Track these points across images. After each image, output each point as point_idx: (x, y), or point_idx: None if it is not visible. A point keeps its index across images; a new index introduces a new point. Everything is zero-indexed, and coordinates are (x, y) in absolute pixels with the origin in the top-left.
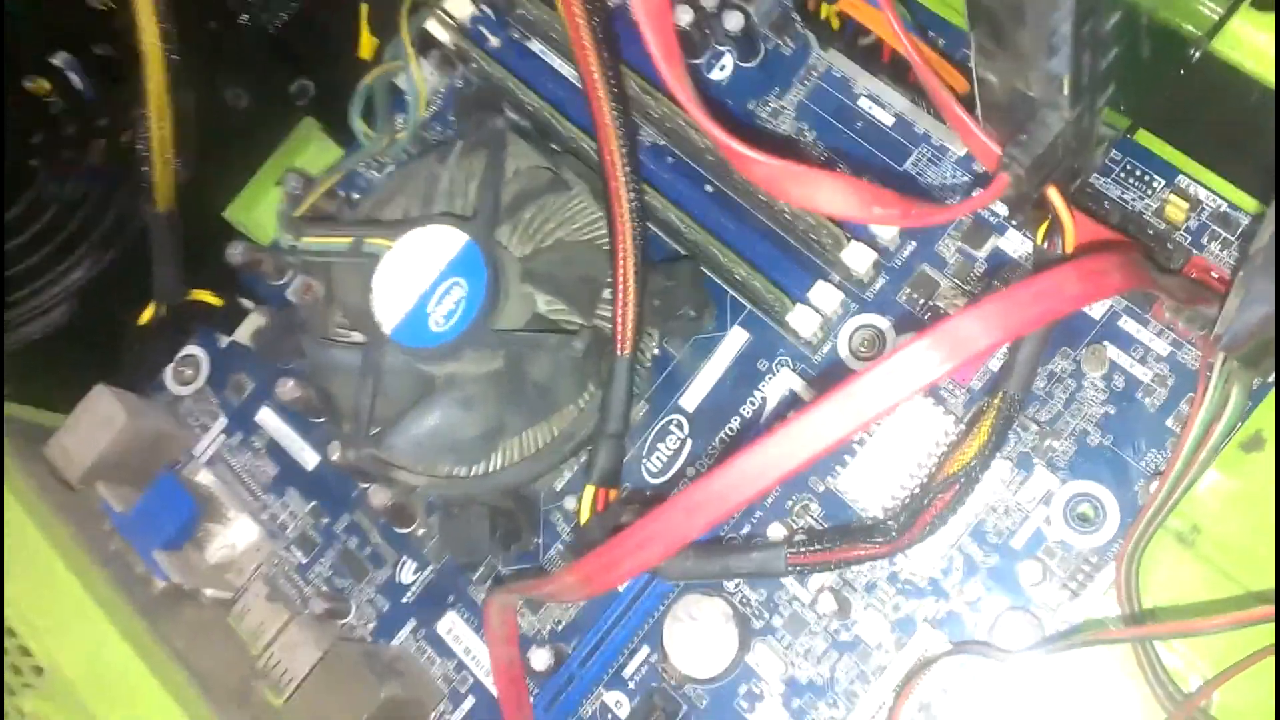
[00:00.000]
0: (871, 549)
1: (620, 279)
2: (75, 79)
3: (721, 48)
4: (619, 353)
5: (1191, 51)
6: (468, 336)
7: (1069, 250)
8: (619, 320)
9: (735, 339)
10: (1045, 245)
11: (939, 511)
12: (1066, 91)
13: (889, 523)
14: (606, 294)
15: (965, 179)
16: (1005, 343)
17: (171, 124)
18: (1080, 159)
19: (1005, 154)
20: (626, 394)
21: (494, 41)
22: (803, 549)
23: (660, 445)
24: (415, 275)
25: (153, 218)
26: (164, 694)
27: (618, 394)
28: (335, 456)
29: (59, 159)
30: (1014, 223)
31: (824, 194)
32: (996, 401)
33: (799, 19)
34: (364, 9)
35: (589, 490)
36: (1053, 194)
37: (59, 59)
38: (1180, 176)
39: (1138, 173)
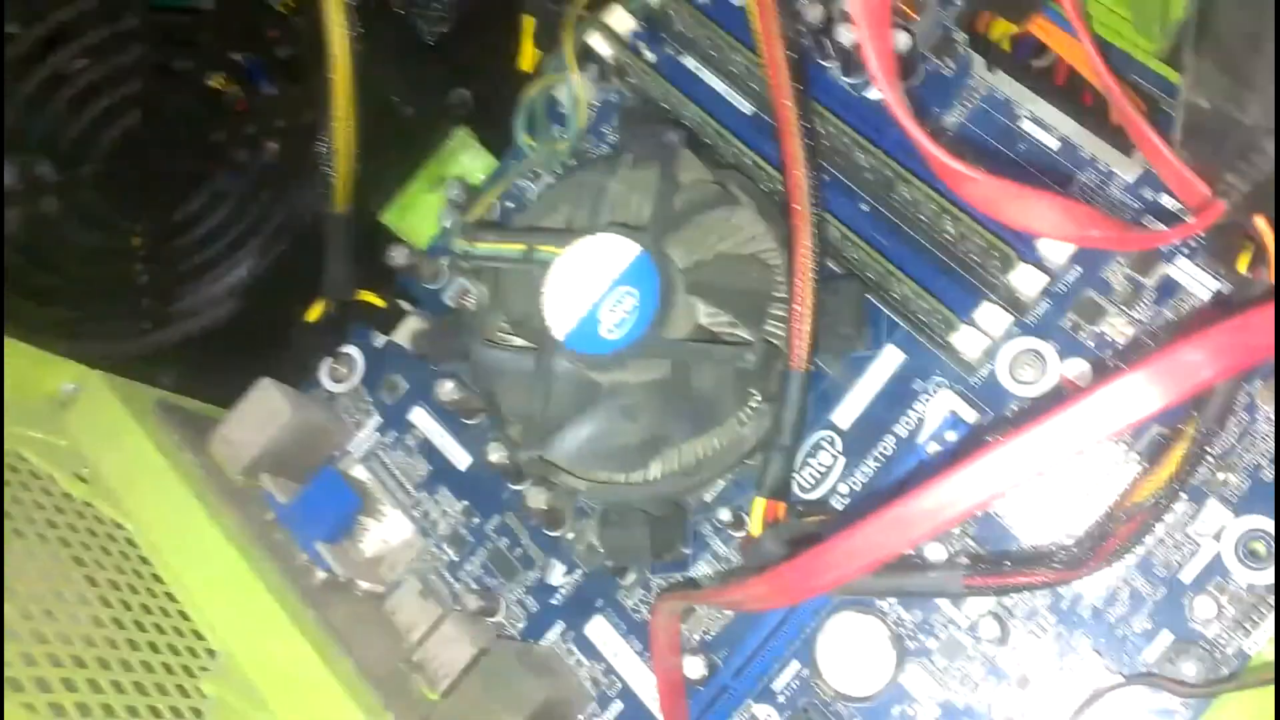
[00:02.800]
0: (1051, 575)
1: (799, 293)
2: (255, 79)
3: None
4: (795, 367)
5: None
6: (639, 345)
7: (1275, 279)
8: (796, 335)
9: (890, 358)
10: (1250, 275)
11: (1123, 540)
12: None
13: (1071, 549)
14: (771, 309)
15: (1135, 204)
16: (1232, 375)
17: (355, 119)
18: None
19: (1223, 180)
20: (801, 408)
21: (650, 57)
22: (981, 572)
23: (812, 461)
24: (587, 283)
25: (331, 217)
26: (332, 679)
27: (792, 408)
28: (495, 457)
29: (237, 156)
30: (1186, 253)
31: (1040, 214)
32: (1190, 431)
33: (964, 41)
34: (529, 22)
35: (760, 502)
36: (1261, 224)
37: (240, 58)
38: None
39: None
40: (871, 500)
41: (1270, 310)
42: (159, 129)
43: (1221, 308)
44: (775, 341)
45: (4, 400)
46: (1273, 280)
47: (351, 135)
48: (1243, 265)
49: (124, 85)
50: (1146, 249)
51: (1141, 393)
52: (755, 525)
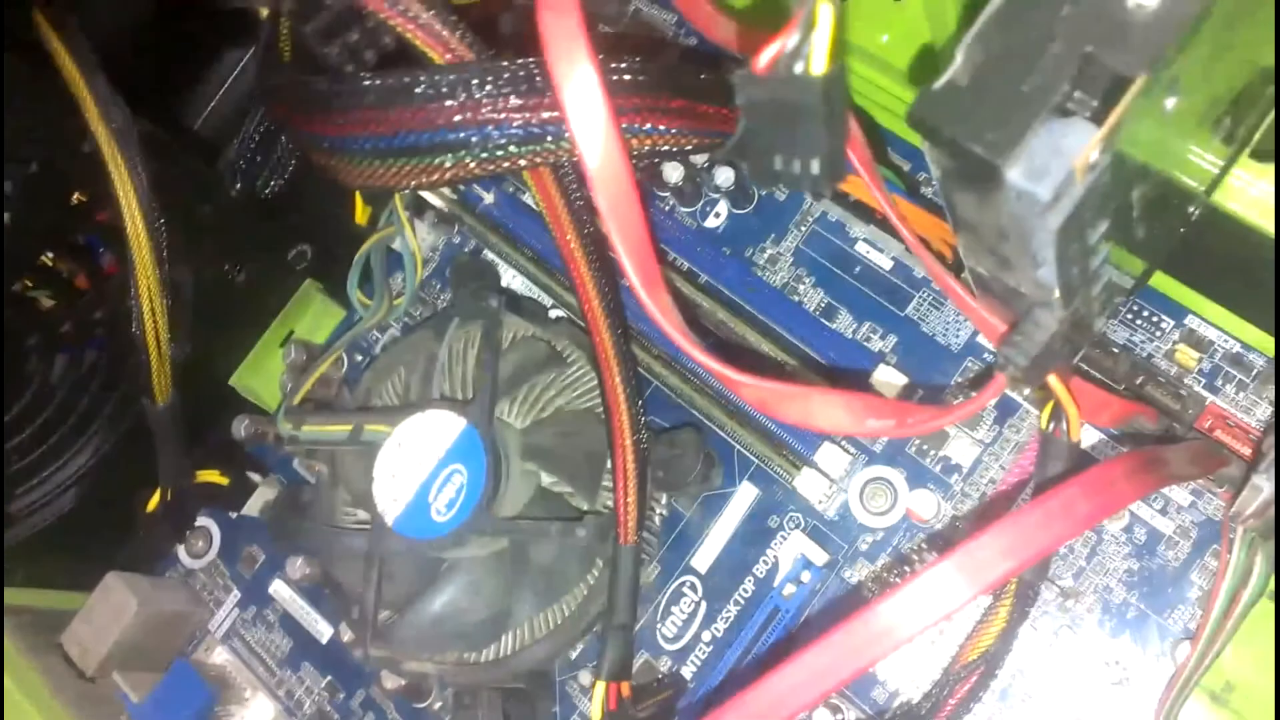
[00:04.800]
0: None
1: (621, 471)
2: (67, 274)
3: (715, 195)
4: (623, 542)
5: (1191, 210)
6: (470, 525)
7: (1074, 436)
8: (621, 511)
9: (744, 495)
10: (1051, 428)
11: (964, 697)
12: (1057, 295)
13: (917, 706)
14: (610, 467)
15: (969, 324)
16: (1022, 570)
17: (164, 312)
18: (1080, 338)
19: (1000, 354)
20: (633, 584)
21: (489, 198)
22: None
23: (674, 609)
24: (415, 463)
25: (151, 412)
26: None
27: (623, 584)
28: (347, 638)
29: (58, 353)
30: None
31: (817, 412)
32: (1011, 588)
33: None
34: None
35: (600, 687)
36: (1054, 382)
37: (47, 258)
38: (1190, 317)
39: (1145, 314)
40: (732, 649)
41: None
42: None
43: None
44: (609, 511)
45: None
46: (1072, 438)
47: (162, 323)
48: (1044, 419)
49: None
50: (925, 433)
51: (943, 589)
52: (595, 713)
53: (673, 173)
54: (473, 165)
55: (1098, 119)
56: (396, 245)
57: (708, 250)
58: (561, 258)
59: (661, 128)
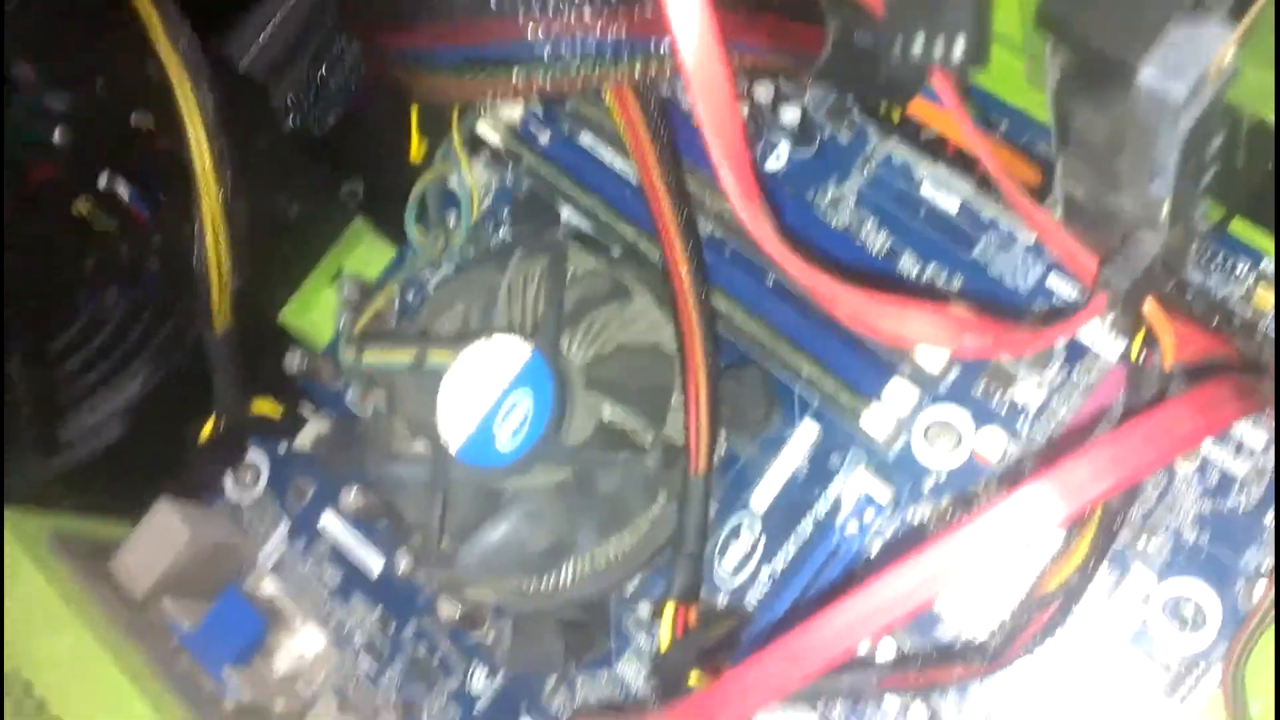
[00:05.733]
0: (967, 670)
1: (693, 399)
2: (128, 199)
3: (775, 137)
4: (693, 472)
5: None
6: (535, 453)
7: (1168, 366)
8: (693, 440)
9: (804, 435)
10: (1141, 358)
11: (1037, 631)
12: (1165, 214)
13: (986, 642)
14: (674, 399)
15: (1038, 266)
16: (1121, 489)
17: (226, 239)
18: (1173, 272)
19: (1101, 275)
20: (703, 513)
21: (544, 138)
22: (896, 671)
23: (732, 545)
24: (480, 391)
25: (211, 340)
26: None
27: (694, 513)
28: (403, 568)
29: (113, 280)
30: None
31: (912, 326)
32: (1097, 514)
33: (855, 108)
34: (414, 111)
35: (669, 609)
36: (1150, 308)
37: (107, 181)
38: (1266, 260)
39: (1221, 257)
40: (791, 586)
41: (1161, 412)
42: (25, 263)
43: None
44: (677, 439)
45: None
46: (1165, 368)
47: (226, 249)
48: (1134, 349)
49: None
50: (1028, 352)
51: (1033, 511)
52: (664, 637)
53: (741, 106)
54: (561, 79)
55: (1233, 18)
56: (452, 183)
57: (768, 192)
58: (640, 179)
59: (752, 45)
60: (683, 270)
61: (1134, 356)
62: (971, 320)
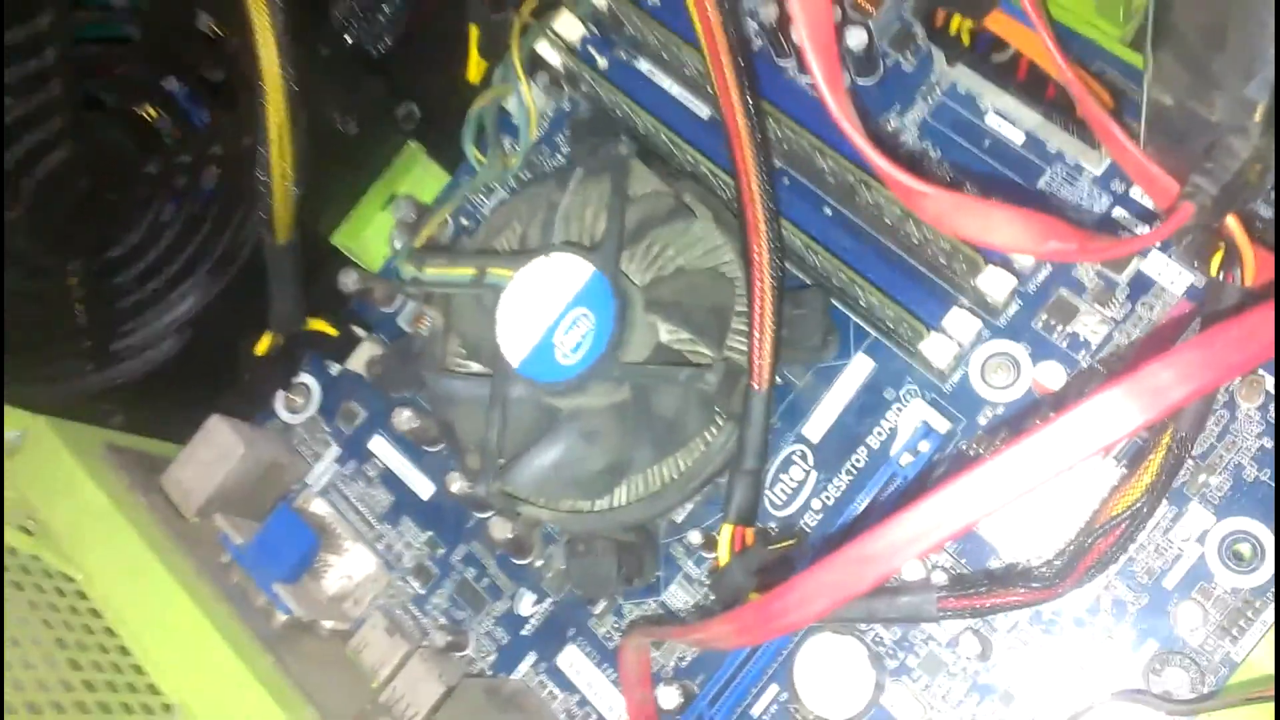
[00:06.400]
0: (1028, 594)
1: (758, 315)
2: (188, 106)
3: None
4: (756, 388)
5: None
6: (596, 370)
7: (1248, 283)
8: (757, 356)
9: (859, 367)
10: (1221, 277)
11: (1101, 555)
12: (1258, 118)
13: (1046, 567)
14: (734, 323)
15: (1104, 199)
16: (1204, 394)
17: (291, 147)
18: (1261, 186)
19: (1191, 182)
20: (765, 430)
21: (602, 62)
22: (955, 594)
23: (784, 476)
24: (541, 307)
25: (272, 249)
26: None
27: (756, 430)
28: (455, 488)
29: (173, 186)
30: (1159, 245)
31: (998, 228)
32: (1165, 440)
33: (923, 33)
34: (473, 31)
35: (727, 528)
36: (1233, 224)
37: (171, 85)
38: None
39: None
40: (844, 515)
41: (1243, 319)
42: (88, 165)
43: (1197, 305)
44: (737, 359)
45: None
46: (1245, 284)
47: (289, 162)
48: (1214, 267)
49: (48, 122)
50: (1113, 258)
51: (1111, 416)
52: (723, 554)
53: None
54: None
55: None
56: (509, 105)
57: (828, 119)
58: (710, 73)
59: None
60: (751, 177)
61: (1214, 272)
62: (1057, 224)
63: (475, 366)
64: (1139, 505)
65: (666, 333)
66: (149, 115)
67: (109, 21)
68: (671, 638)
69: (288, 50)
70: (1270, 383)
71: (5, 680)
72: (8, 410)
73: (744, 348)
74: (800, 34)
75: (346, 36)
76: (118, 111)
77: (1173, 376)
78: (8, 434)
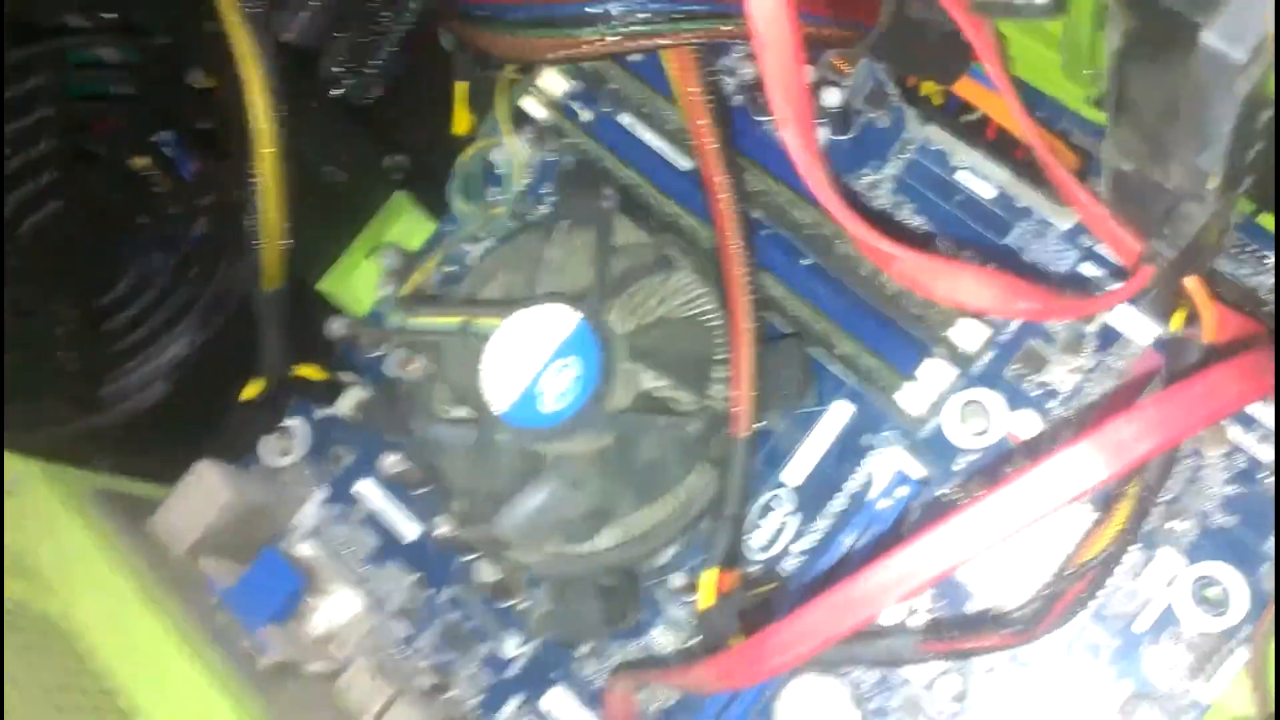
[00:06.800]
0: (1004, 638)
1: (738, 363)
2: (178, 156)
3: (817, 120)
4: (736, 435)
5: None
6: (580, 417)
7: (1208, 339)
8: (737, 403)
9: (837, 414)
10: (1183, 333)
11: (1073, 600)
12: (1213, 186)
13: (1021, 611)
14: (714, 372)
15: (1072, 254)
16: (1166, 449)
17: (280, 198)
18: (1207, 257)
19: (1149, 248)
20: (745, 475)
21: (586, 116)
22: (936, 638)
23: (763, 522)
24: (527, 355)
25: (261, 298)
26: None
27: (736, 476)
28: (440, 532)
29: (163, 235)
30: (1130, 301)
31: (967, 289)
32: (1132, 489)
33: (896, 93)
34: (461, 87)
35: (710, 574)
36: (1192, 284)
37: (161, 136)
38: None
39: (1249, 248)
40: (824, 560)
41: (1206, 376)
42: (80, 216)
43: (1164, 355)
44: (717, 407)
45: None
46: (1206, 340)
47: (280, 211)
48: (1176, 323)
49: (40, 176)
50: (1077, 317)
51: (1078, 470)
52: (704, 598)
53: None
54: (628, 39)
55: None
56: (494, 156)
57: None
58: (692, 141)
59: (810, 14)
60: (730, 232)
61: (1175, 328)
62: (1023, 285)
63: (462, 412)
64: (1108, 552)
65: (649, 380)
66: (140, 167)
67: (101, 80)
68: (656, 681)
69: (278, 103)
70: (1233, 431)
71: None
72: None
73: (724, 395)
74: (776, 107)
75: (334, 89)
76: (109, 163)
77: (1136, 431)
78: None
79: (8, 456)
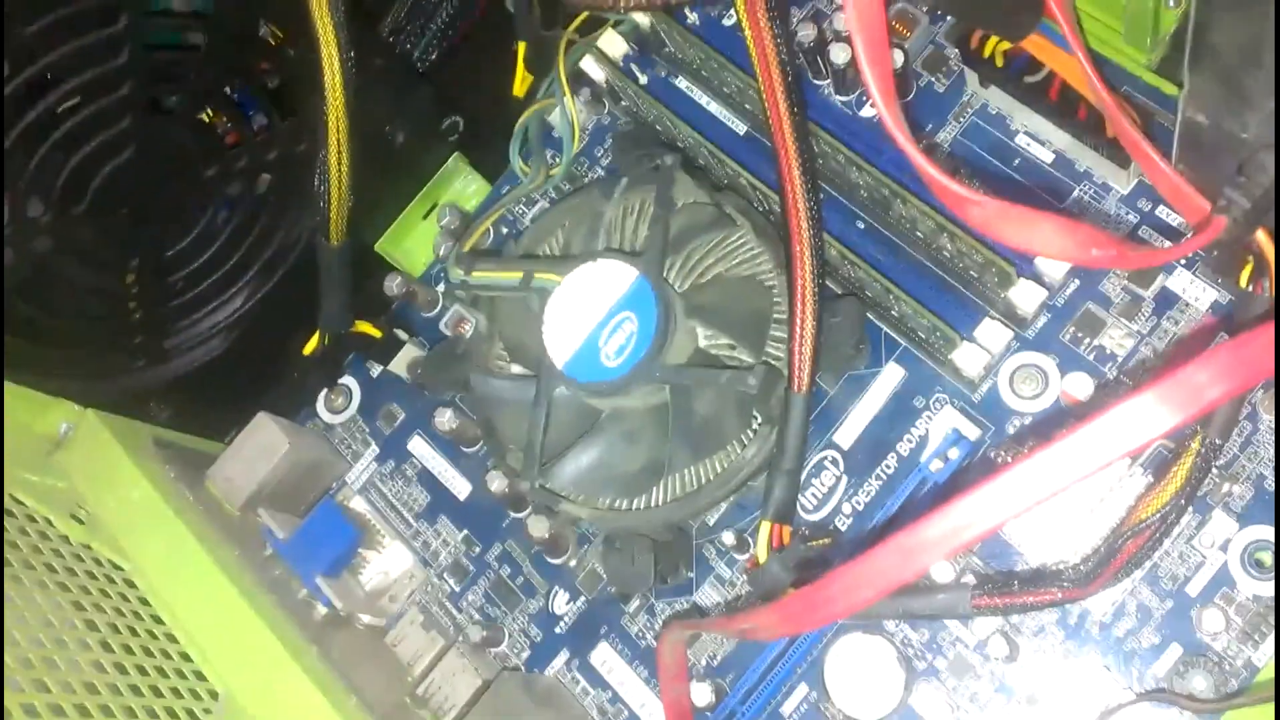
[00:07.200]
0: (1059, 593)
1: (799, 317)
2: (249, 110)
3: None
4: (796, 390)
5: None
6: (638, 372)
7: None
8: (797, 358)
9: (890, 376)
10: (1250, 288)
11: (1130, 556)
12: None
13: (1075, 570)
14: (772, 329)
15: (1130, 216)
16: (1240, 393)
17: (348, 153)
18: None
19: (1224, 196)
20: (803, 431)
21: (643, 79)
22: (989, 592)
23: (816, 481)
24: (586, 310)
25: (326, 250)
26: (335, 716)
27: (795, 431)
28: (495, 486)
29: (230, 189)
30: (1184, 263)
31: (1042, 235)
32: (1195, 445)
33: (956, 56)
34: (521, 47)
35: (766, 526)
36: (1262, 237)
37: (233, 91)
38: None
39: None
40: (875, 519)
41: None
42: (151, 165)
43: (1221, 319)
44: (775, 364)
45: (3, 442)
46: (1273, 294)
47: (345, 166)
48: (1244, 279)
49: (115, 123)
50: (1149, 267)
51: (1148, 416)
52: (761, 550)
53: (839, 53)
54: None
55: None
56: (553, 118)
57: (864, 135)
58: (760, 87)
59: None
60: (797, 182)
61: (1243, 284)
62: (1098, 233)
63: (517, 369)
64: (1167, 509)
65: (705, 338)
66: (209, 119)
67: (177, 29)
68: (714, 629)
69: (349, 61)
70: None
71: (60, 665)
72: (59, 403)
73: (780, 353)
74: (858, 52)
75: (396, 48)
76: (180, 115)
77: (1209, 377)
78: (60, 426)
79: (72, 405)
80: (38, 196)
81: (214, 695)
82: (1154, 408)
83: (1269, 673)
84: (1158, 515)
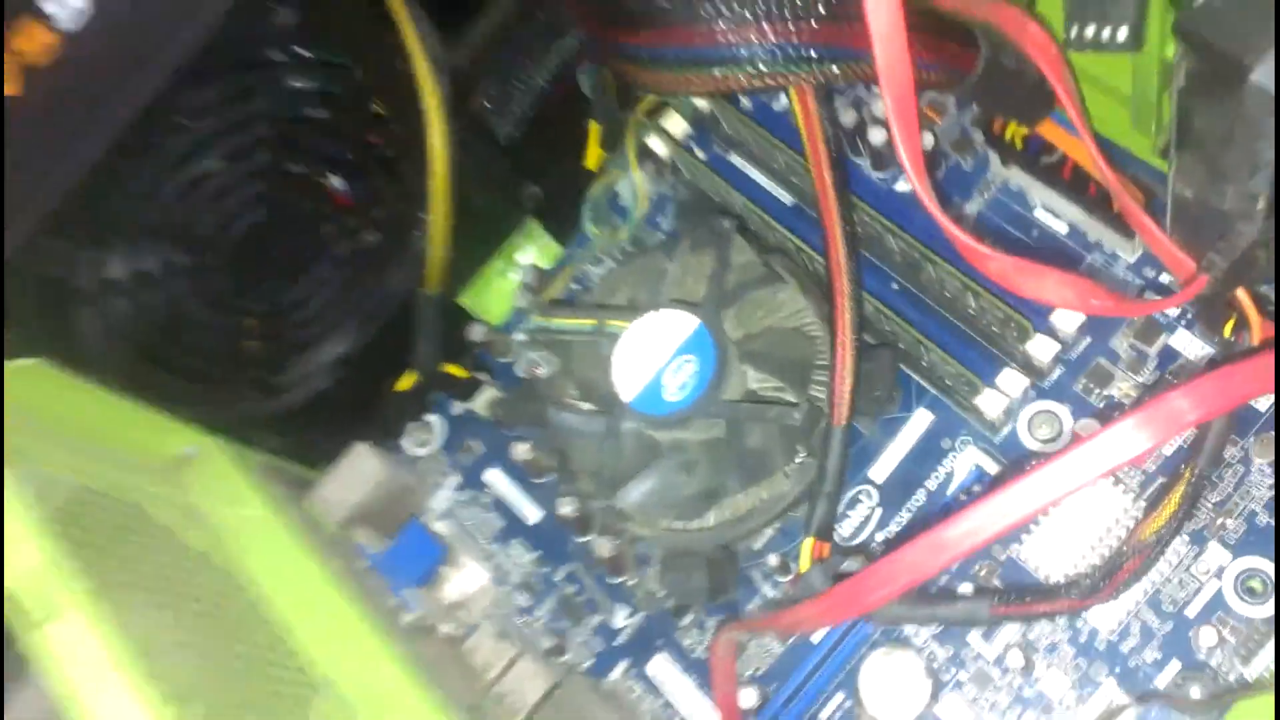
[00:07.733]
0: (1069, 602)
1: (840, 358)
2: (360, 176)
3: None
4: (835, 423)
5: None
6: (698, 405)
7: (1255, 343)
8: (837, 395)
9: (920, 420)
10: (1234, 339)
11: (1132, 571)
12: (1262, 205)
13: (1084, 580)
14: (815, 374)
15: (1137, 282)
16: (1214, 416)
17: (449, 214)
18: (1266, 269)
19: (1206, 258)
20: (842, 459)
21: (702, 155)
22: (1007, 601)
23: (851, 512)
24: (651, 352)
25: (424, 298)
26: (424, 705)
27: (834, 458)
28: (565, 510)
29: (341, 245)
30: (1185, 324)
31: (1049, 286)
32: (1187, 474)
33: (980, 139)
34: (594, 127)
35: (809, 541)
36: (1242, 294)
37: (348, 158)
38: None
39: None
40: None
41: (1246, 363)
42: (279, 224)
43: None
44: (818, 404)
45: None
46: (1253, 343)
47: (447, 226)
48: (1227, 331)
49: (252, 185)
50: (1141, 315)
51: (1139, 433)
52: (804, 561)
53: (877, 135)
54: (757, 77)
55: None
56: (620, 188)
57: (897, 207)
58: (809, 162)
59: (920, 60)
60: (840, 246)
61: (1227, 334)
62: (1098, 288)
63: (586, 406)
64: (1164, 530)
65: (755, 380)
66: (326, 184)
67: (302, 105)
68: (764, 625)
69: (453, 131)
70: None
71: (194, 654)
72: (185, 429)
73: (823, 394)
74: (894, 133)
75: (484, 123)
76: (305, 179)
77: (1189, 403)
78: (184, 449)
79: (195, 430)
80: (183, 246)
81: (314, 687)
82: (1143, 427)
83: (1259, 684)
84: (1154, 536)
